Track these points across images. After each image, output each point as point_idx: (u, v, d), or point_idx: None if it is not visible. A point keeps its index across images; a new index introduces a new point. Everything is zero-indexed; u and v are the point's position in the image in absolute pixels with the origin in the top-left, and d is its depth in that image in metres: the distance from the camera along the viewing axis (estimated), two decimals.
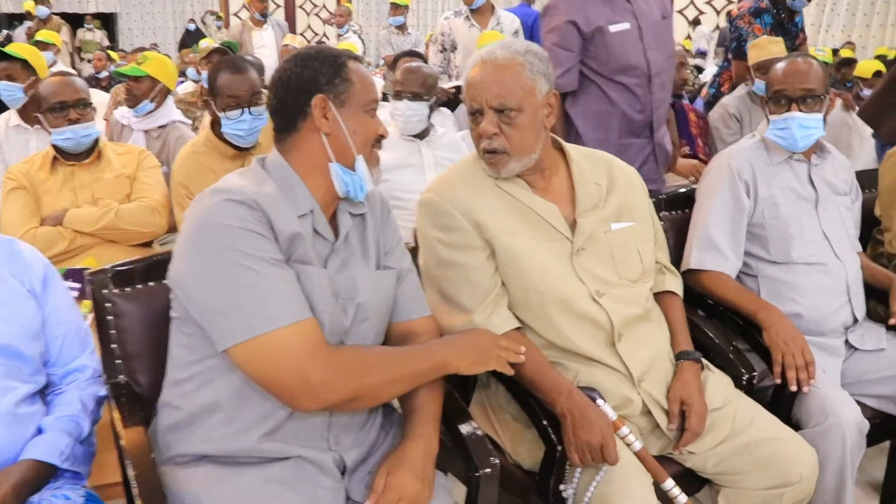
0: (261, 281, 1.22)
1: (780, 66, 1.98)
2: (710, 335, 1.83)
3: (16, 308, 1.45)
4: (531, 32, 4.61)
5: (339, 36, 6.73)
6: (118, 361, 1.56)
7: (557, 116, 2.50)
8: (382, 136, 1.42)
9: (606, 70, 2.47)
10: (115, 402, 1.48)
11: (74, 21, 13.70)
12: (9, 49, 3.28)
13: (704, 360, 1.72)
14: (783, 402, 1.77)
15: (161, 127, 3.34)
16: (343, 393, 1.25)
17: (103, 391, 1.54)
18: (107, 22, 14.79)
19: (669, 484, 1.50)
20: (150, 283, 1.59)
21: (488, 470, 1.39)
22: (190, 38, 12.50)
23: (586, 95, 2.52)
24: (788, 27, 3.65)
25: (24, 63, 3.17)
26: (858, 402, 1.80)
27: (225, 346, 1.23)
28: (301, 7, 13.07)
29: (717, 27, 10.84)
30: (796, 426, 1.75)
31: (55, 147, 2.48)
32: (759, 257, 1.99)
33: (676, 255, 2.04)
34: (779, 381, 1.75)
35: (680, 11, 11.01)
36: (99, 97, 4.56)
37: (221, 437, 1.31)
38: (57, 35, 6.17)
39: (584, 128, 2.53)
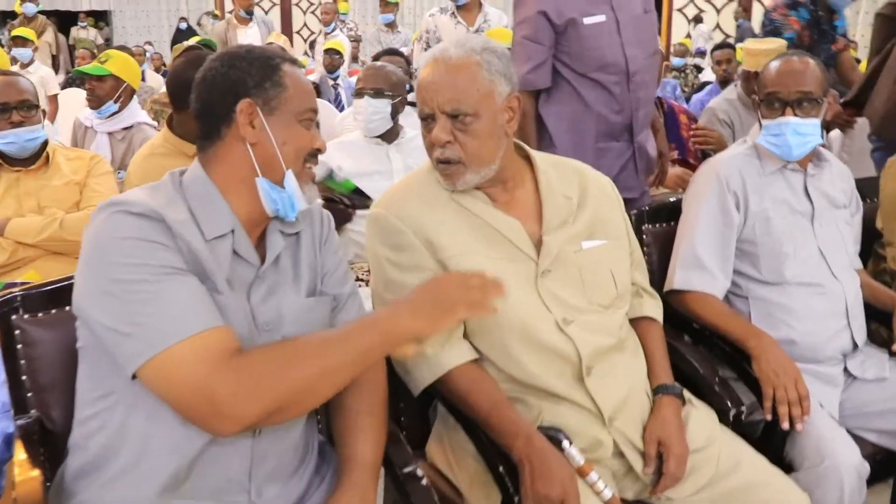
0: (158, 293, 1.06)
1: (773, 65, 1.80)
2: (694, 364, 1.65)
3: None
4: None
5: (327, 34, 6.55)
6: (29, 395, 1.39)
7: (529, 117, 2.33)
8: (319, 151, 1.25)
9: (581, 67, 2.28)
10: (23, 442, 1.32)
11: (69, 19, 13.61)
12: None
13: (687, 394, 1.55)
14: (774, 440, 1.59)
15: (126, 129, 3.19)
16: (261, 404, 1.06)
17: (11, 427, 1.38)
18: (103, 20, 14.70)
19: None
20: (66, 308, 1.42)
21: None
22: (181, 37, 12.28)
23: (560, 94, 2.34)
24: (825, 29, 3.30)
25: None
26: (858, 438, 1.64)
27: (131, 370, 1.07)
28: (297, 5, 12.89)
29: (717, 26, 10.66)
30: (788, 467, 1.58)
31: None
32: (750, 277, 1.81)
33: (661, 273, 1.87)
34: (769, 416, 1.58)
35: (680, 10, 10.83)
36: (80, 96, 4.40)
37: (123, 487, 1.14)
38: (32, 32, 5.99)
39: (556, 130, 2.35)
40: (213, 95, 1.20)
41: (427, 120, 1.42)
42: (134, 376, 1.08)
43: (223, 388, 1.04)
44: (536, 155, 1.55)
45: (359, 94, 2.50)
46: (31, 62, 5.77)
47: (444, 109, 1.38)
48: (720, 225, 1.80)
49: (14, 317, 1.40)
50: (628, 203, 1.83)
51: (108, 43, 13.29)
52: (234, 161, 1.20)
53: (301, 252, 1.29)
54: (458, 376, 1.39)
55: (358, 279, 2.20)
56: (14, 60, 5.56)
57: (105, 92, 3.15)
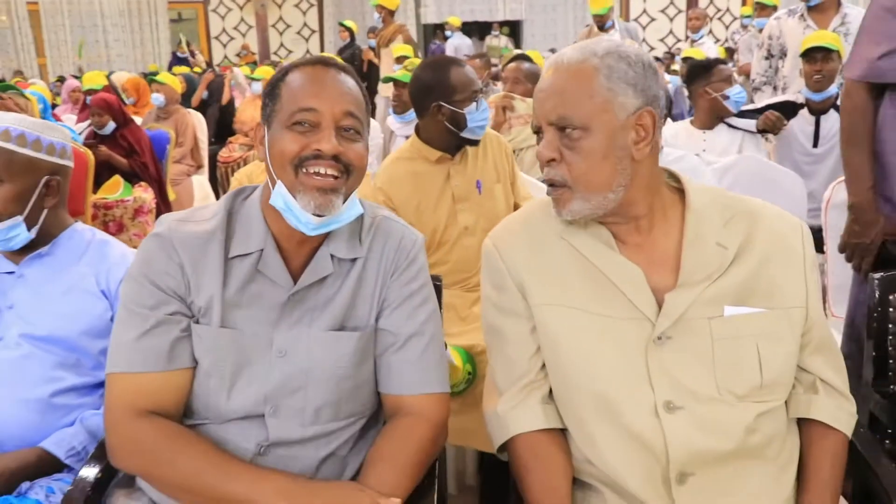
0: (122, 323, 1.18)
1: None
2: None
3: (84, 305, 1.53)
4: None
5: (693, 41, 6.17)
6: None
7: (862, 114, 1.87)
8: (318, 152, 1.14)
9: None
10: None
11: (486, 28, 14.99)
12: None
13: None
14: None
15: None
16: (130, 468, 1.18)
17: None
18: (516, 29, 15.87)
19: None
20: None
21: None
22: None
23: None
24: None
25: None
26: None
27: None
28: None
29: None
30: None
31: None
32: None
33: None
34: None
35: None
36: None
37: None
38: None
39: (893, 141, 1.84)
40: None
41: (538, 134, 1.21)
42: None
43: (111, 437, 1.16)
44: (695, 189, 1.23)
45: None
46: None
47: (549, 120, 1.16)
48: None
49: None
50: None
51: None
52: (265, 180, 1.21)
53: (353, 281, 1.22)
54: (520, 445, 1.19)
55: None
56: None
57: (408, 97, 3.37)
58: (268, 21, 13.81)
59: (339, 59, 1.25)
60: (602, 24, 6.09)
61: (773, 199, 1.96)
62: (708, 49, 5.91)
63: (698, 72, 3.30)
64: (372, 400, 1.27)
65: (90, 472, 1.27)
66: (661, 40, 13.90)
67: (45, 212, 1.58)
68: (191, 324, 1.18)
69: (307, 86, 1.17)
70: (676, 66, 6.49)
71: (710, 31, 7.41)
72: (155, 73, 7.56)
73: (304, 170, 1.15)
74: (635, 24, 8.28)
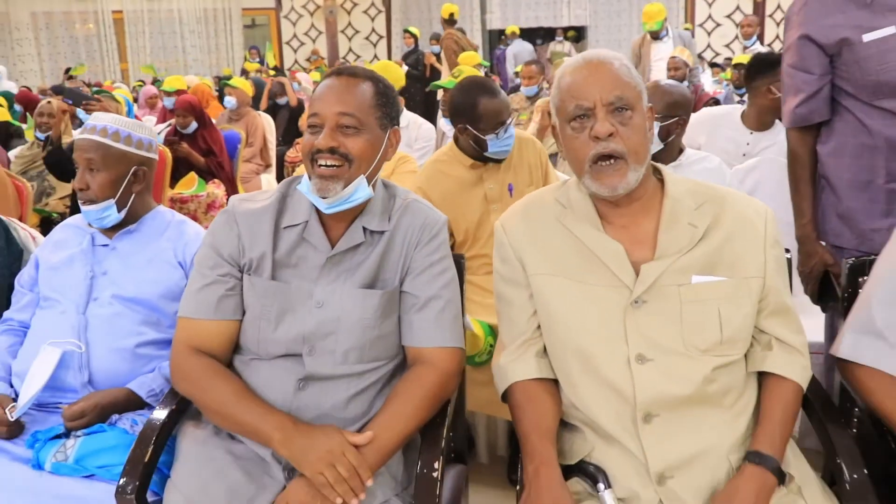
0: (191, 279, 1.54)
1: None
2: (837, 452, 1.36)
3: (163, 274, 1.84)
4: None
5: (746, 48, 6.25)
6: None
7: (800, 159, 2.09)
8: (313, 152, 1.44)
9: (864, 94, 1.92)
10: None
11: (551, 34, 15.12)
12: None
13: (799, 479, 1.30)
14: None
15: None
16: (181, 390, 1.53)
17: None
18: (581, 35, 15.94)
19: None
20: None
21: None
22: None
23: (841, 126, 1.99)
24: None
25: None
26: None
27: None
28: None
29: None
30: None
31: None
32: None
33: None
34: None
35: None
36: None
37: None
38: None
39: (835, 168, 2.01)
40: None
41: (581, 118, 1.35)
42: None
43: (171, 364, 1.53)
44: (674, 180, 1.44)
45: None
46: None
47: (606, 100, 1.33)
48: None
49: None
50: None
51: None
52: None
53: (381, 249, 1.49)
54: (517, 392, 1.43)
55: None
56: None
57: None
58: (337, 27, 14.23)
59: (357, 68, 1.51)
60: (656, 35, 6.25)
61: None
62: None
63: (764, 68, 3.04)
64: (394, 351, 1.53)
65: (164, 409, 1.55)
66: (727, 45, 13.79)
67: (133, 196, 1.88)
68: (243, 279, 1.48)
69: (318, 94, 1.46)
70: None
71: (760, 37, 7.42)
72: (228, 77, 8.01)
73: (316, 162, 1.44)
74: (688, 32, 8.35)
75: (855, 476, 1.32)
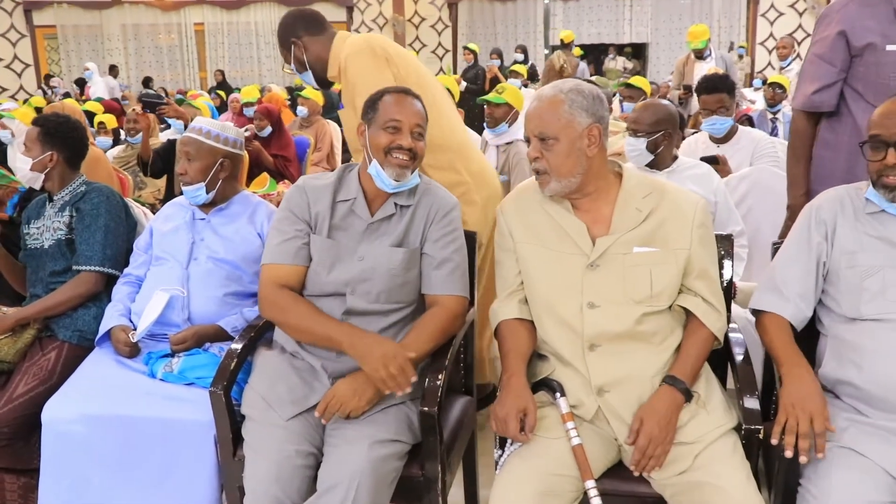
0: (270, 236, 2.03)
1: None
2: (739, 377, 1.83)
3: (245, 242, 2.40)
4: None
5: (782, 69, 6.56)
6: None
7: (803, 136, 2.42)
8: (400, 147, 1.94)
9: (873, 97, 2.19)
10: None
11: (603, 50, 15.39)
12: None
13: (704, 397, 1.75)
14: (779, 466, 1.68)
15: (507, 144, 4.12)
16: (269, 316, 2.02)
17: None
18: (641, 52, 16.15)
19: (590, 484, 1.67)
20: None
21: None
22: None
23: (840, 125, 2.31)
24: None
25: None
26: None
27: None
28: None
29: None
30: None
31: None
32: (833, 312, 1.81)
33: None
34: (775, 441, 1.64)
35: None
36: None
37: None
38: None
39: (830, 161, 2.32)
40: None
41: (527, 141, 1.88)
42: None
43: (260, 297, 2.01)
44: (631, 175, 1.90)
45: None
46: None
47: (534, 133, 1.83)
48: (803, 251, 1.85)
49: None
50: None
51: (633, 73, 14.63)
52: (362, 158, 2.04)
53: (407, 219, 2.01)
54: (503, 327, 1.91)
55: None
56: None
57: (499, 115, 4.12)
58: (405, 41, 14.81)
59: (412, 91, 2.04)
60: (700, 55, 6.62)
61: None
62: (794, 76, 6.29)
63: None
64: (413, 296, 2.04)
65: (241, 341, 2.10)
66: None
67: (220, 182, 2.44)
68: (310, 236, 2.00)
69: (395, 105, 1.98)
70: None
71: (799, 57, 7.68)
72: (301, 88, 8.66)
73: (391, 155, 1.96)
74: (732, 55, 8.64)
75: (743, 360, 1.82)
